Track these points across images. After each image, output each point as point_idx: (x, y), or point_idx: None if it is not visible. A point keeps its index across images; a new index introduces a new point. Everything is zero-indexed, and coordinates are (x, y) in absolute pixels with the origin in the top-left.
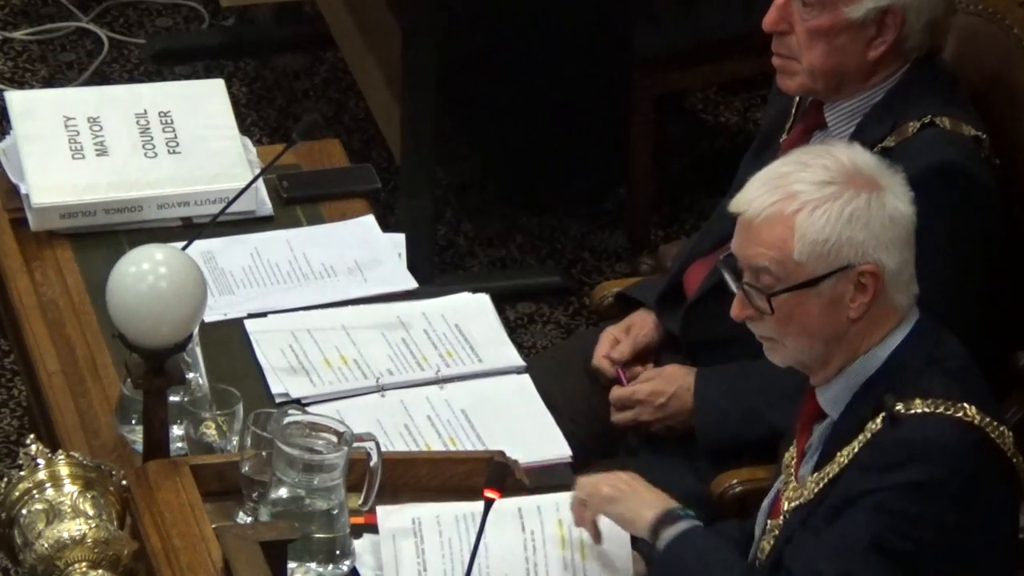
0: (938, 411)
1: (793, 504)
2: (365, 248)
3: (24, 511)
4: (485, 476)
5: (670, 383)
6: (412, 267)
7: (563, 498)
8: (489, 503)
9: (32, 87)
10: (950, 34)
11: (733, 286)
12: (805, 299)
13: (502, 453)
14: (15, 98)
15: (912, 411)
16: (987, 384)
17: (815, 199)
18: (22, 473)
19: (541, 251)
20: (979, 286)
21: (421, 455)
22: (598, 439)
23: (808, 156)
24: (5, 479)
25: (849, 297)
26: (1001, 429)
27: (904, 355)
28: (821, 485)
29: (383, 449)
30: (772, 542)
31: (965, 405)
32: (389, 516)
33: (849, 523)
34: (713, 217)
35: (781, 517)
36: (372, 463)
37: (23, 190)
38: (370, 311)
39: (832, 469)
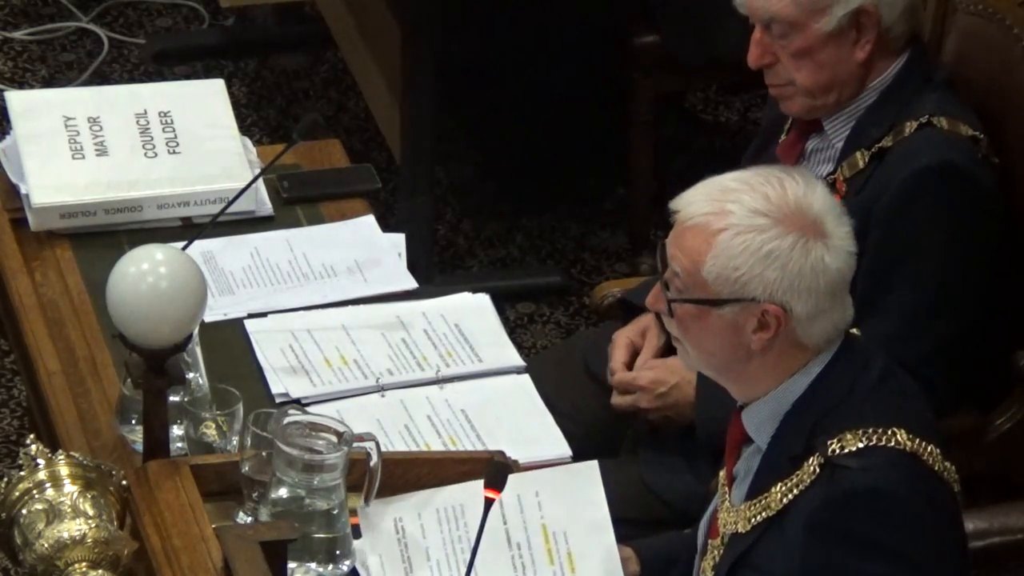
0: (871, 443)
1: (729, 530)
2: (365, 248)
3: (24, 511)
4: (485, 476)
5: (673, 374)
6: (412, 267)
7: (542, 481)
8: (489, 503)
9: (32, 87)
10: (950, 34)
11: (659, 272)
12: (705, 315)
13: (502, 453)
14: (15, 98)
15: (847, 449)
16: (913, 384)
17: (742, 225)
18: (22, 473)
19: (541, 251)
20: (978, 286)
21: (421, 455)
22: (598, 439)
23: (759, 179)
24: (5, 479)
25: (751, 328)
26: (929, 448)
27: (828, 381)
28: (758, 520)
29: (383, 449)
30: (712, 564)
31: (895, 430)
32: (371, 523)
33: None
34: None
35: (719, 539)
36: (372, 463)
37: (23, 190)
38: (370, 311)
39: (768, 506)
